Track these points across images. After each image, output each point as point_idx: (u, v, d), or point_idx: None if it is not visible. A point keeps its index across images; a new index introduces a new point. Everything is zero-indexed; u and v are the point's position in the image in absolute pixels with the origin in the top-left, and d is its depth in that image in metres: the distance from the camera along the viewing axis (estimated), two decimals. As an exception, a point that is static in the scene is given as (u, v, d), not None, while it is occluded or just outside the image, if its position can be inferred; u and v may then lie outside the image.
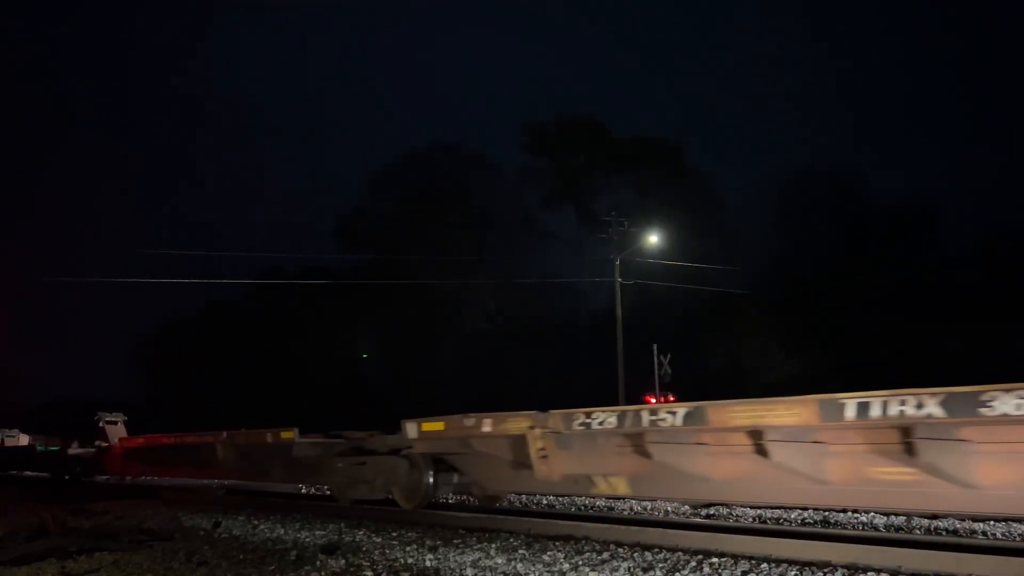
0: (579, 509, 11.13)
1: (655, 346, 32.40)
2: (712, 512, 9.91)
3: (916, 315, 34.49)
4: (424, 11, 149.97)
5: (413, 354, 45.19)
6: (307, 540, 8.49)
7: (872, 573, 5.76)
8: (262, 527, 9.74)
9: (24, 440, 38.17)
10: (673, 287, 38.21)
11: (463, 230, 46.48)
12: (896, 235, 40.76)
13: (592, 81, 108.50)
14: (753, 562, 6.26)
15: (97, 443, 22.56)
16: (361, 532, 8.88)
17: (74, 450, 22.46)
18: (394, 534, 8.61)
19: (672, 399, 31.96)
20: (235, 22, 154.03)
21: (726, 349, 39.51)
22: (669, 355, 32.36)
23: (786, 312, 37.91)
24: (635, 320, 38.08)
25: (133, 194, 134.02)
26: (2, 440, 37.10)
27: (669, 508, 10.52)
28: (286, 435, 12.75)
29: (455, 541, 7.89)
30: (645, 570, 6.21)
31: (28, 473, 29.63)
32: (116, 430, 22.30)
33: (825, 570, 5.90)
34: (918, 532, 8.04)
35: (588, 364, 40.33)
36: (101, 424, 22.75)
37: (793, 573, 5.88)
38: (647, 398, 32.28)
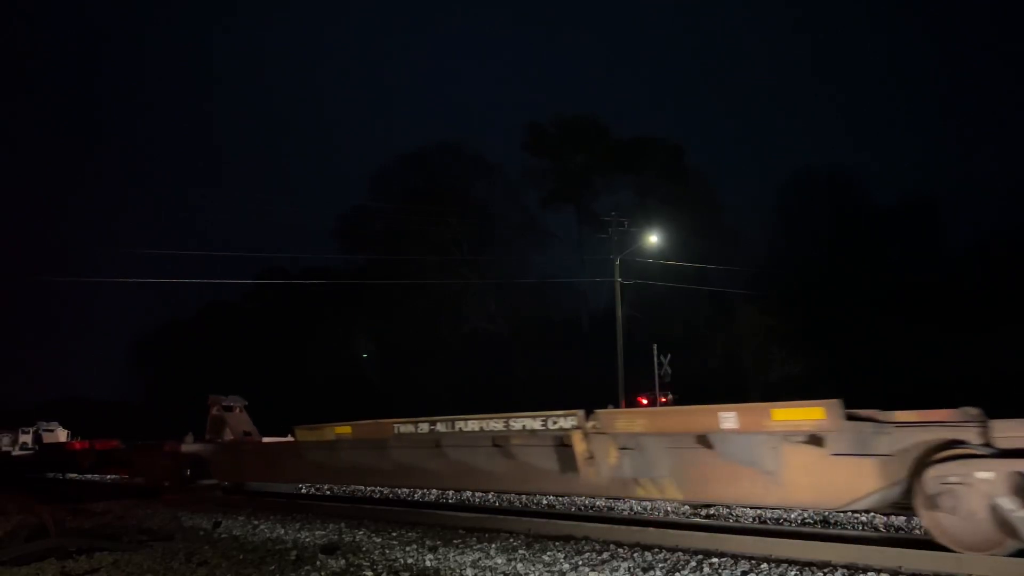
0: (579, 509, 11.11)
1: (655, 346, 32.38)
2: (712, 512, 9.90)
3: (915, 315, 34.48)
4: (425, 13, 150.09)
5: (413, 354, 45.19)
6: (307, 540, 8.49)
7: (872, 573, 5.77)
8: (262, 527, 9.73)
9: (63, 435, 33.63)
10: (673, 287, 38.18)
11: (463, 230, 46.44)
12: (896, 235, 40.74)
13: (592, 81, 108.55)
14: (753, 562, 6.27)
15: (208, 436, 17.01)
16: (361, 532, 8.88)
17: (188, 446, 16.39)
18: (394, 534, 8.61)
19: (670, 399, 32.00)
20: (240, 26, 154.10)
21: (726, 349, 39.50)
22: (669, 355, 32.33)
23: (786, 312, 37.90)
24: (635, 320, 38.10)
25: (135, 194, 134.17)
26: (40, 435, 33.04)
27: (669, 508, 10.50)
28: (796, 415, 6.94)
29: (455, 541, 7.89)
30: (645, 570, 6.21)
31: (74, 476, 24.81)
32: (237, 420, 16.84)
33: (825, 570, 5.90)
34: (918, 532, 8.03)
35: (588, 364, 40.34)
36: (215, 411, 17.09)
37: (793, 573, 5.88)
38: (639, 399, 32.21)
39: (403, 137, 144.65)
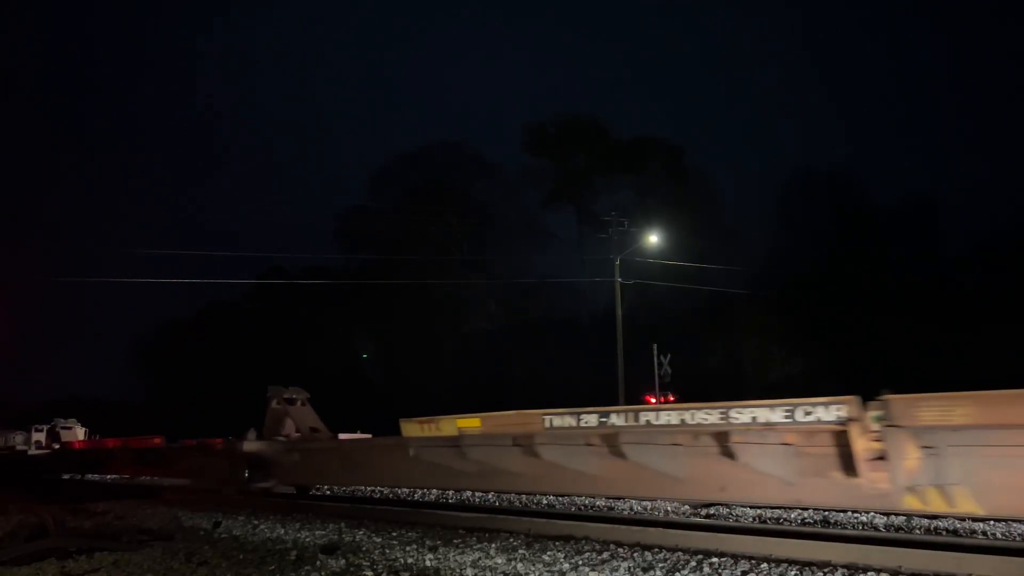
0: (579, 509, 11.10)
1: (655, 346, 32.38)
2: (712, 512, 9.90)
3: (916, 314, 34.49)
4: (425, 13, 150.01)
5: (413, 354, 45.19)
6: (307, 540, 8.48)
7: (872, 573, 5.76)
8: (262, 527, 9.73)
9: (81, 433, 31.60)
10: (673, 287, 38.19)
11: (463, 230, 46.48)
12: (896, 235, 40.76)
13: (592, 81, 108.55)
14: (753, 562, 6.27)
15: (267, 433, 15.06)
16: (361, 532, 8.87)
17: (251, 444, 14.38)
18: (394, 534, 8.61)
19: (672, 399, 32.01)
20: (240, 25, 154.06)
21: (726, 349, 39.50)
22: (669, 355, 32.33)
23: (786, 312, 37.90)
24: (635, 320, 38.08)
25: (135, 194, 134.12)
26: (57, 432, 30.73)
27: (669, 508, 10.50)
28: None
29: (455, 541, 7.88)
30: (645, 570, 6.21)
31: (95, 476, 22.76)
32: (301, 414, 14.93)
33: (825, 570, 5.90)
34: (918, 532, 8.03)
35: (588, 364, 40.31)
36: (275, 404, 15.22)
37: (793, 573, 5.88)
38: (647, 398, 32.29)
39: (403, 137, 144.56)
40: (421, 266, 42.89)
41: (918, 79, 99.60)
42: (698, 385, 34.19)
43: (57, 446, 29.40)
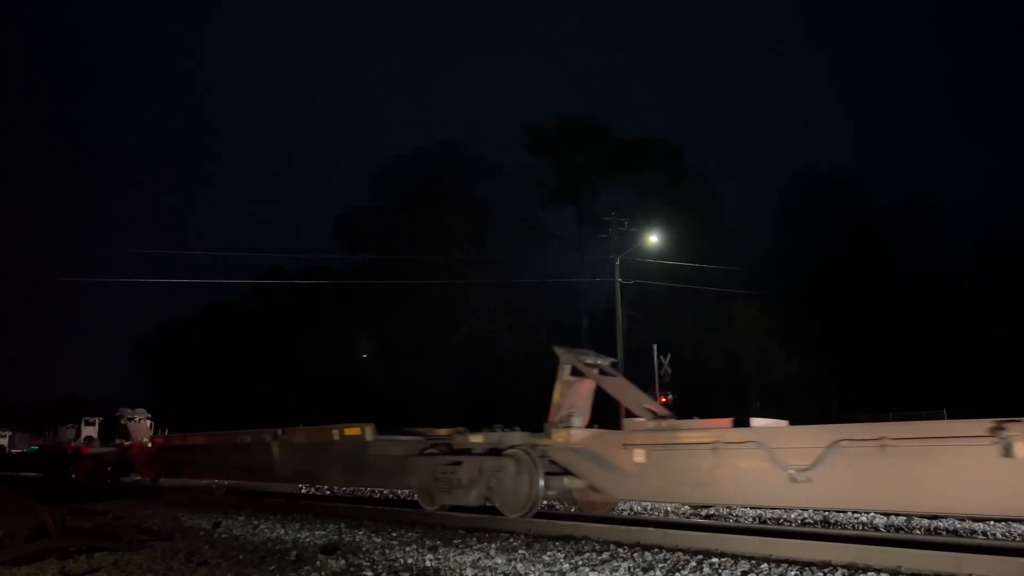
0: (579, 509, 11.10)
1: (655, 346, 32.37)
2: (712, 512, 9.89)
3: (916, 315, 34.50)
4: (425, 13, 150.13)
5: (413, 354, 45.19)
6: (307, 540, 8.48)
7: (872, 573, 5.77)
8: (262, 527, 9.73)
9: (147, 426, 26.53)
10: (673, 287, 38.18)
11: (463, 230, 46.45)
12: (896, 235, 40.78)
13: (592, 81, 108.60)
14: (753, 562, 6.27)
15: (554, 417, 10.04)
16: (361, 532, 8.88)
17: (578, 433, 9.50)
18: (394, 534, 8.61)
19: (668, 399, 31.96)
20: (240, 24, 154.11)
21: (726, 349, 39.50)
22: (669, 355, 32.32)
23: (786, 312, 37.91)
24: (635, 320, 38.07)
25: (136, 195, 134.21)
26: (124, 425, 26.04)
27: (669, 508, 10.50)
28: None
29: (455, 541, 7.89)
30: (645, 570, 6.21)
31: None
32: (621, 388, 10.27)
33: (825, 570, 5.90)
34: (918, 532, 8.04)
35: (588, 364, 40.19)
36: (568, 374, 10.22)
37: (793, 573, 5.88)
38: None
39: (403, 137, 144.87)
40: (421, 266, 42.87)
41: (919, 79, 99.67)
42: (698, 385, 34.19)
43: (127, 443, 24.09)
